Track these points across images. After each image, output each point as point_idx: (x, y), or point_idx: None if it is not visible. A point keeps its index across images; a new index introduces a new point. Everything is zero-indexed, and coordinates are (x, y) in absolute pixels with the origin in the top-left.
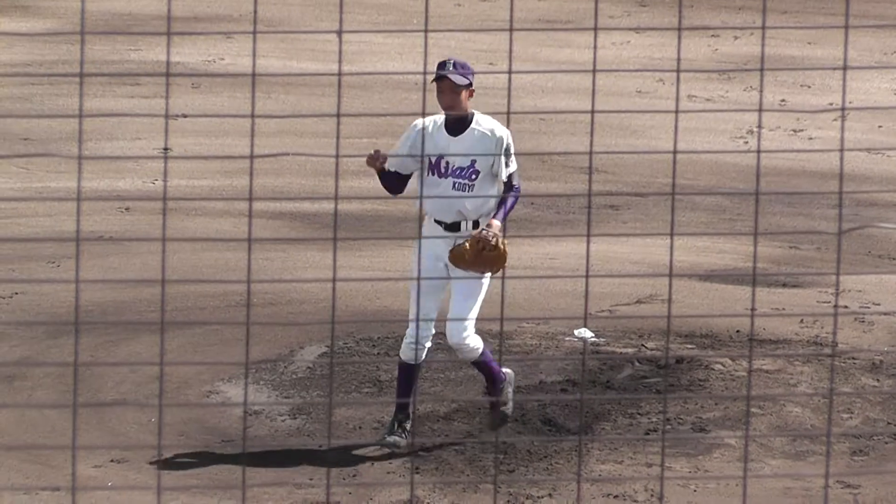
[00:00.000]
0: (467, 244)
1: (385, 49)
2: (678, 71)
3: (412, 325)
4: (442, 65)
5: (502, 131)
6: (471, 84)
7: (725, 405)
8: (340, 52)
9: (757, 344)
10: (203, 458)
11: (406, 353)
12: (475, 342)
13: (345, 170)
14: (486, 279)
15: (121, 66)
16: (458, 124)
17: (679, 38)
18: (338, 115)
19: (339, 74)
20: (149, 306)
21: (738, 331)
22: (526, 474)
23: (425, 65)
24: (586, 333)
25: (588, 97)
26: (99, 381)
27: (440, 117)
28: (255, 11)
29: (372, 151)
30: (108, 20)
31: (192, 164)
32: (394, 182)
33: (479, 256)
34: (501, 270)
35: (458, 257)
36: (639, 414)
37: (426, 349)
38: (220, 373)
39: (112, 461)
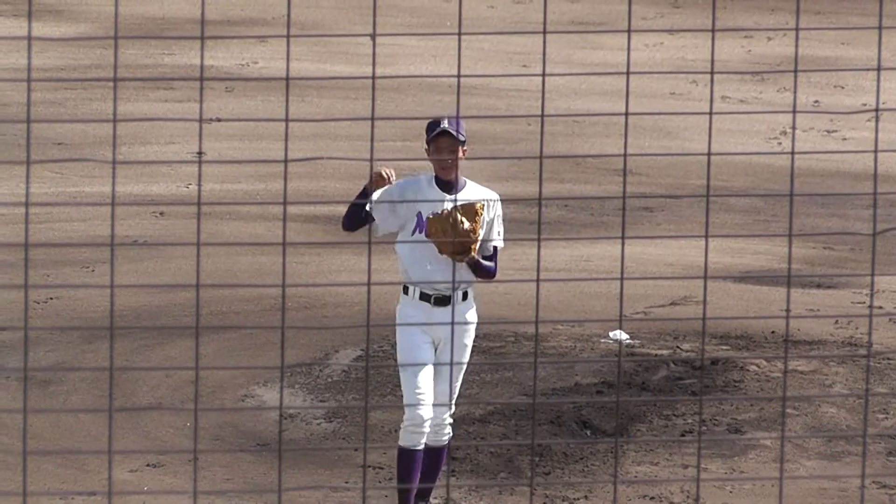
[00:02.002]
0: (457, 212)
1: (418, 52)
2: (712, 72)
3: (409, 409)
4: (436, 123)
5: (495, 196)
6: (464, 142)
7: (761, 406)
8: (374, 55)
9: (792, 345)
10: (239, 462)
11: (406, 439)
12: (449, 428)
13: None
14: (468, 355)
15: (154, 70)
16: (451, 183)
17: (712, 39)
18: (372, 119)
19: (373, 77)
20: (183, 310)
21: (772, 332)
22: (562, 476)
23: (459, 67)
24: (621, 335)
25: (621, 99)
26: (134, 385)
27: (431, 173)
28: (289, 15)
29: (385, 171)
30: (141, 24)
31: (225, 168)
32: (358, 217)
33: (457, 230)
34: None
35: (439, 221)
36: (674, 415)
37: (425, 436)
38: (255, 377)
39: (148, 465)
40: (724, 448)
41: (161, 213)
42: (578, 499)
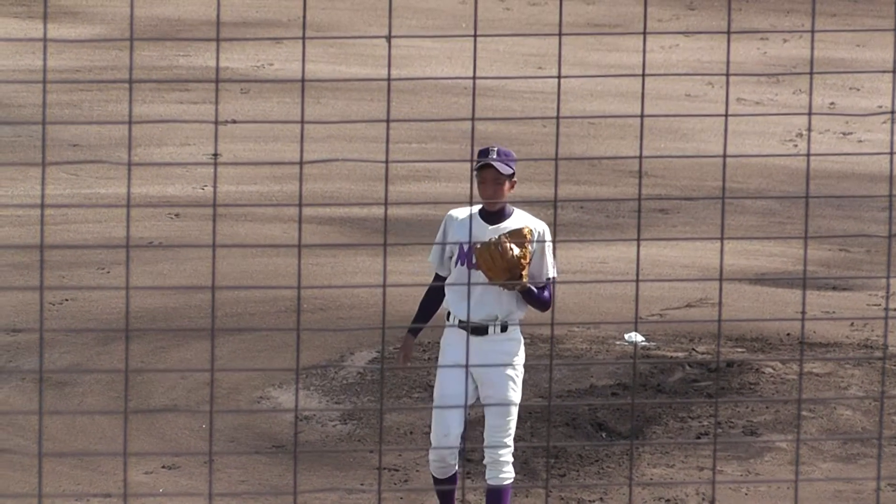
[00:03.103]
0: (505, 240)
1: (434, 54)
2: (727, 74)
3: (443, 443)
4: (485, 152)
5: (543, 226)
6: (513, 174)
7: (776, 408)
8: (390, 56)
9: (807, 347)
10: (254, 464)
11: (432, 468)
12: (510, 470)
13: (394, 175)
14: (518, 392)
15: (170, 71)
16: (495, 214)
17: (728, 41)
18: (387, 121)
19: (389, 79)
20: (199, 312)
21: (788, 334)
22: (577, 478)
23: (475, 69)
24: (637, 337)
25: (636, 101)
26: (149, 387)
27: (476, 207)
28: (304, 16)
29: (401, 358)
30: (156, 25)
31: (241, 170)
32: (428, 308)
33: (506, 258)
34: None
35: (487, 251)
36: (690, 417)
37: (455, 467)
38: (270, 378)
39: (163, 467)
40: (740, 450)
41: (176, 215)
42: (594, 501)
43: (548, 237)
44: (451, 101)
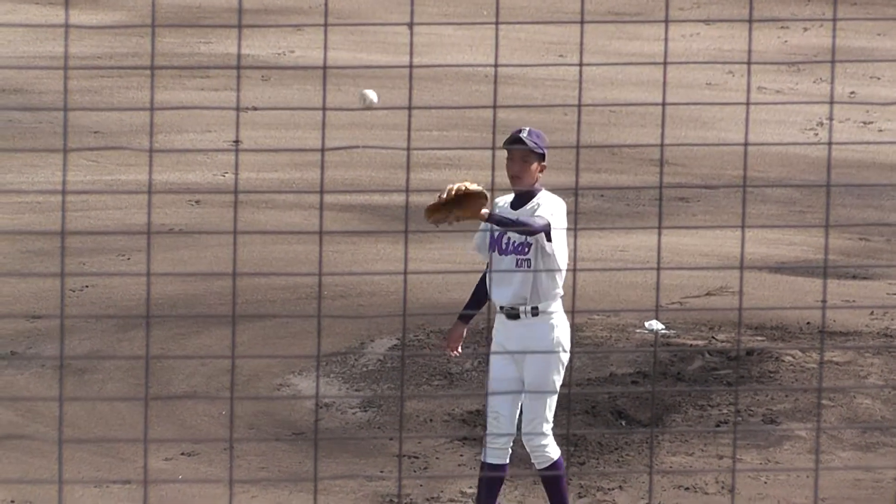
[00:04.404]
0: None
1: (455, 41)
2: (749, 62)
3: (493, 427)
4: (518, 131)
5: (554, 201)
6: (543, 157)
7: (796, 397)
8: (412, 44)
9: (827, 336)
10: (274, 451)
11: (488, 456)
12: (553, 449)
13: (415, 162)
14: (553, 377)
15: (191, 58)
16: (522, 199)
17: (749, 29)
18: (409, 108)
19: (410, 67)
20: (219, 299)
21: (808, 323)
22: (597, 466)
23: (496, 57)
24: (657, 325)
25: (657, 89)
26: (169, 373)
27: (512, 195)
28: (326, 3)
29: (447, 344)
30: (177, 12)
31: (262, 157)
32: (478, 294)
33: (451, 202)
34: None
35: (431, 210)
36: (709, 406)
37: (507, 455)
38: (290, 365)
39: (183, 454)
40: (760, 439)
41: (197, 202)
42: (613, 489)
43: (553, 209)
44: (473, 88)
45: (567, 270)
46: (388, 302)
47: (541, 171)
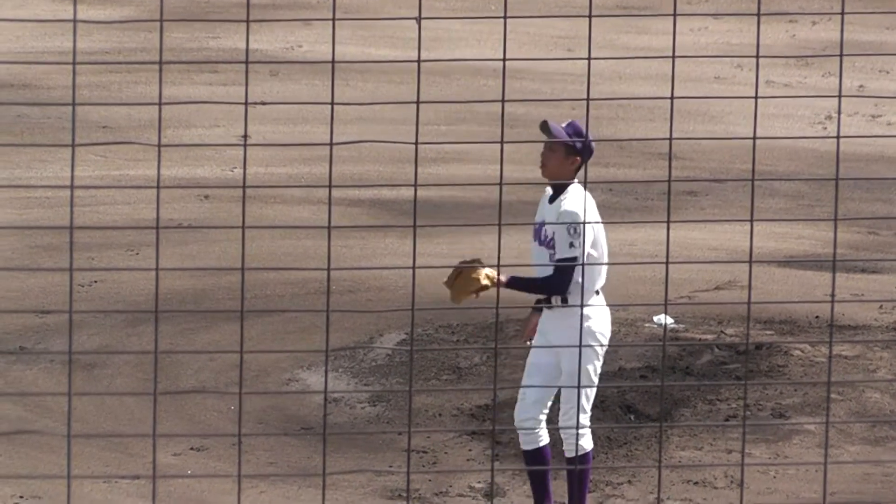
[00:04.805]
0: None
1: (464, 36)
2: (757, 56)
3: (518, 408)
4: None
5: (570, 205)
6: (575, 150)
7: (805, 391)
8: (420, 38)
9: (836, 330)
10: (282, 446)
11: (521, 443)
12: (587, 441)
13: (424, 157)
14: (594, 367)
15: (199, 53)
16: (556, 192)
17: (758, 23)
18: (417, 102)
19: (419, 61)
20: (228, 294)
21: (817, 316)
22: (606, 461)
23: (504, 51)
24: (666, 319)
25: (666, 83)
26: (178, 369)
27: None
28: None
29: (524, 338)
30: (186, 7)
31: (270, 152)
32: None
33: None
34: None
35: (450, 284)
36: (718, 400)
37: (539, 434)
38: (299, 360)
39: (191, 449)
40: (769, 433)
41: (206, 197)
42: (622, 483)
43: (571, 216)
44: (481, 82)
45: (575, 265)
46: (396, 296)
47: (572, 164)
